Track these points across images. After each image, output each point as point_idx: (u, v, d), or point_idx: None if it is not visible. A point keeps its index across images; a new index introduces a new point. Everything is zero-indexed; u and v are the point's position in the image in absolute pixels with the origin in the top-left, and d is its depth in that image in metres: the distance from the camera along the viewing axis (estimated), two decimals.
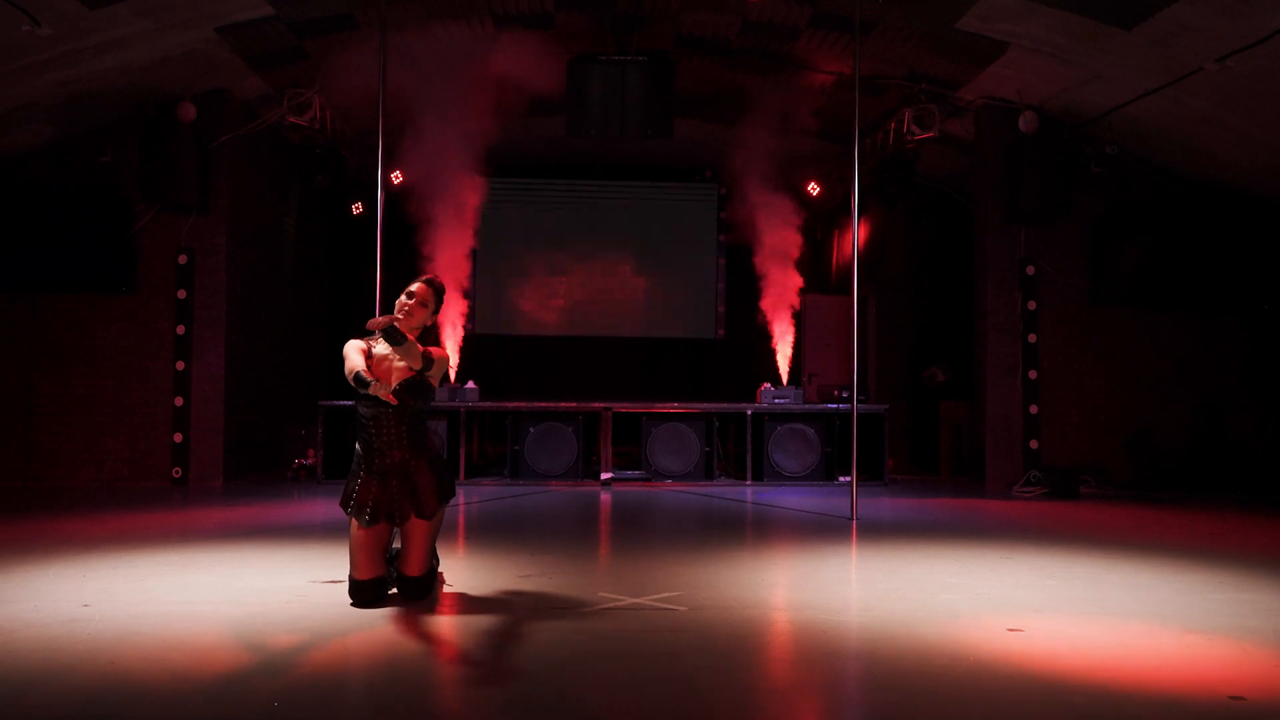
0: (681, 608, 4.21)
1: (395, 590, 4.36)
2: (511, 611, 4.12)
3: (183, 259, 9.28)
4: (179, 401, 9.26)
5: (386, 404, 4.16)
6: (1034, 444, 9.53)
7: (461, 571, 4.96)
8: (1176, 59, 7.50)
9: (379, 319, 4.05)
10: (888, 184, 10.25)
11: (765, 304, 10.76)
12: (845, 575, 5.24)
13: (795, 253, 10.70)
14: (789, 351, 10.82)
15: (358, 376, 4.11)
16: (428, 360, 4.15)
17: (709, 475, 9.69)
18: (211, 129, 9.17)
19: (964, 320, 10.53)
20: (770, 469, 9.75)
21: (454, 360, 10.38)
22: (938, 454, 10.91)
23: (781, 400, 9.90)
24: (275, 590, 4.50)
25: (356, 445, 4.33)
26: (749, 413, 9.80)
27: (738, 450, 10.02)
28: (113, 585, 4.57)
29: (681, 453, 9.72)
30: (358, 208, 11.84)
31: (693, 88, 9.95)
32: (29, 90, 8.15)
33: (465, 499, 8.35)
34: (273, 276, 10.76)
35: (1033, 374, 9.59)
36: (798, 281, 10.80)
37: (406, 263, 9.77)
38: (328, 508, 7.56)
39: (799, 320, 11.00)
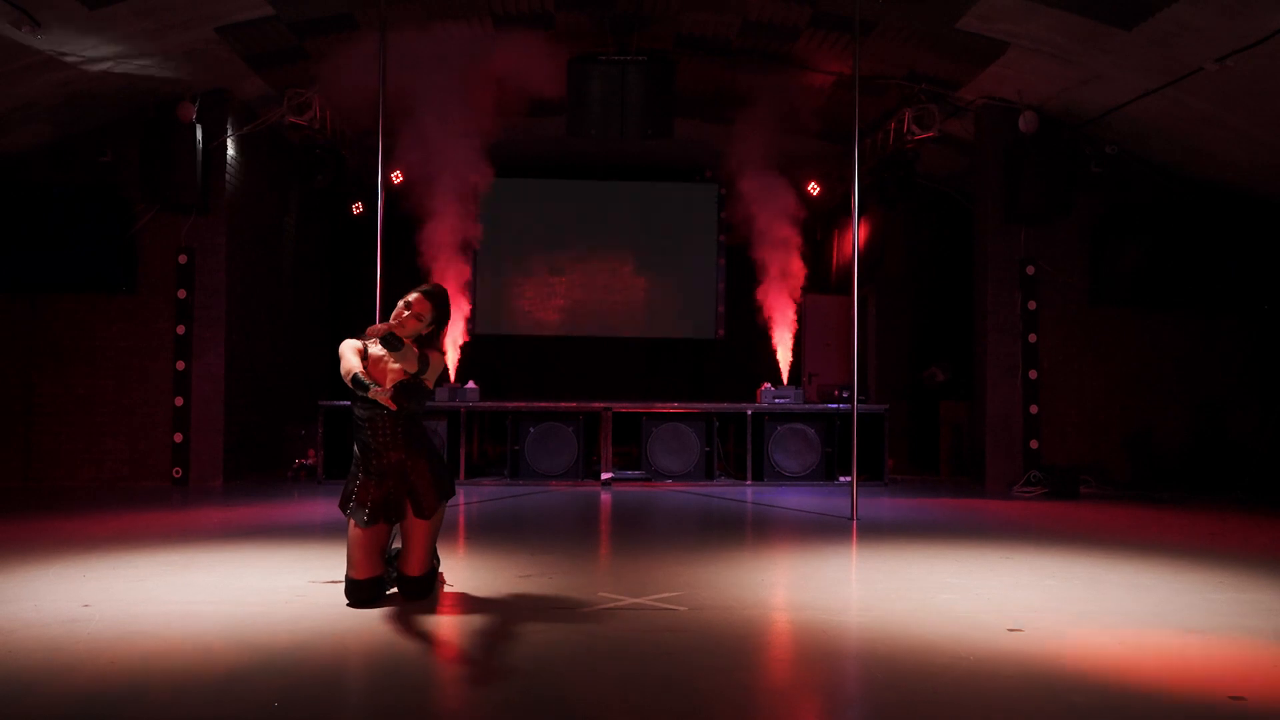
0: (681, 608, 4.21)
1: (395, 590, 4.37)
2: (511, 611, 4.12)
3: (183, 259, 9.29)
4: (179, 401, 9.26)
5: (383, 405, 4.17)
6: (1034, 444, 9.54)
7: (461, 571, 4.96)
8: (1176, 59, 7.50)
9: (378, 327, 4.05)
10: (888, 184, 10.25)
11: (765, 304, 10.76)
12: (845, 575, 5.24)
13: (795, 253, 10.70)
14: (789, 351, 10.82)
15: (355, 379, 4.11)
16: (424, 363, 4.15)
17: (709, 475, 9.69)
18: (211, 129, 9.18)
19: (964, 320, 10.53)
20: (770, 469, 9.75)
21: (452, 361, 10.38)
22: (938, 454, 10.91)
23: (781, 400, 9.90)
24: (275, 590, 4.50)
25: (355, 446, 4.34)
26: (749, 413, 9.80)
27: (738, 450, 10.02)
28: (112, 585, 4.57)
29: (681, 453, 9.72)
30: (358, 207, 11.84)
31: (693, 88, 9.95)
32: (29, 90, 8.15)
33: (465, 499, 8.35)
34: (273, 276, 10.76)
35: (1033, 374, 9.59)
36: (798, 281, 10.79)
37: (406, 263, 9.79)
38: (328, 508, 7.56)
39: (799, 320, 11.00)
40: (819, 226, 13.04)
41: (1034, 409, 9.57)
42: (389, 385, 4.16)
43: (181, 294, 9.28)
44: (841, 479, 9.54)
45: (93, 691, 3.05)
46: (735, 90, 10.00)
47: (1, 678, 3.17)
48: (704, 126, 10.75)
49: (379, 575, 4.24)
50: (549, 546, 6.01)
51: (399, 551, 4.40)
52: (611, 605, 4.24)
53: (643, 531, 6.91)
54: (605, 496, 8.74)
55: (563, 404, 9.79)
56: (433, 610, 4.15)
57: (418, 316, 4.22)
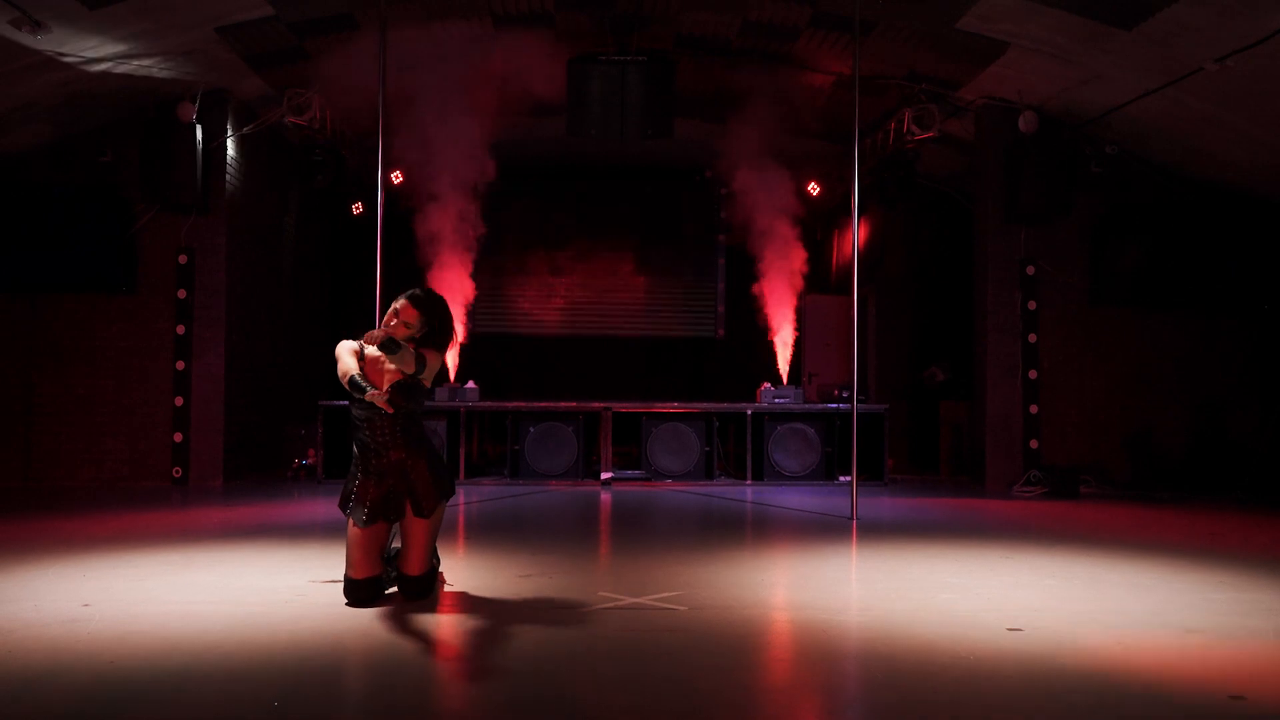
0: (681, 608, 4.21)
1: (395, 590, 4.37)
2: (511, 611, 4.12)
3: (183, 259, 9.29)
4: (179, 401, 9.26)
5: (381, 406, 4.16)
6: (1034, 444, 9.54)
7: (461, 571, 4.96)
8: (1176, 59, 7.50)
9: (375, 334, 4.03)
10: (888, 184, 10.25)
11: (765, 304, 10.76)
12: (845, 575, 5.24)
13: (795, 252, 10.70)
14: (789, 351, 10.82)
15: (352, 381, 4.10)
16: (421, 363, 4.14)
17: (709, 475, 9.69)
18: (211, 129, 9.17)
19: (964, 320, 10.53)
20: (770, 469, 9.75)
21: (452, 361, 10.38)
22: (938, 454, 10.91)
23: (781, 400, 9.90)
24: (275, 590, 4.50)
25: (354, 446, 4.34)
26: (749, 412, 9.80)
27: (738, 450, 10.02)
28: (112, 585, 4.57)
29: (681, 453, 9.72)
30: (358, 208, 11.84)
31: (693, 88, 9.95)
32: (29, 90, 8.15)
33: (465, 499, 8.35)
34: (273, 276, 10.76)
35: (1033, 374, 9.59)
36: (798, 281, 10.79)
37: (407, 263, 9.80)
38: (328, 508, 7.56)
39: (799, 320, 11.00)
40: (819, 226, 13.04)
41: (1034, 409, 9.57)
42: (386, 386, 4.17)
43: (181, 294, 9.28)
44: (841, 479, 9.54)
45: (93, 691, 3.05)
46: (735, 90, 10.00)
47: (1, 678, 3.17)
48: (704, 126, 10.75)
49: (378, 575, 4.24)
50: (549, 546, 6.01)
51: (398, 551, 4.40)
52: (611, 605, 4.24)
53: (643, 531, 6.91)
54: (605, 496, 8.74)
55: (563, 404, 9.80)
56: (432, 610, 4.15)
57: (405, 324, 4.19)
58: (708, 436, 9.74)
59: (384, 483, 4.23)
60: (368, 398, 4.03)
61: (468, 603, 4.31)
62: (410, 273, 9.94)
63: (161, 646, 3.53)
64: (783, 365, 10.77)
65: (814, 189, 11.91)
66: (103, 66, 8.12)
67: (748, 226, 10.83)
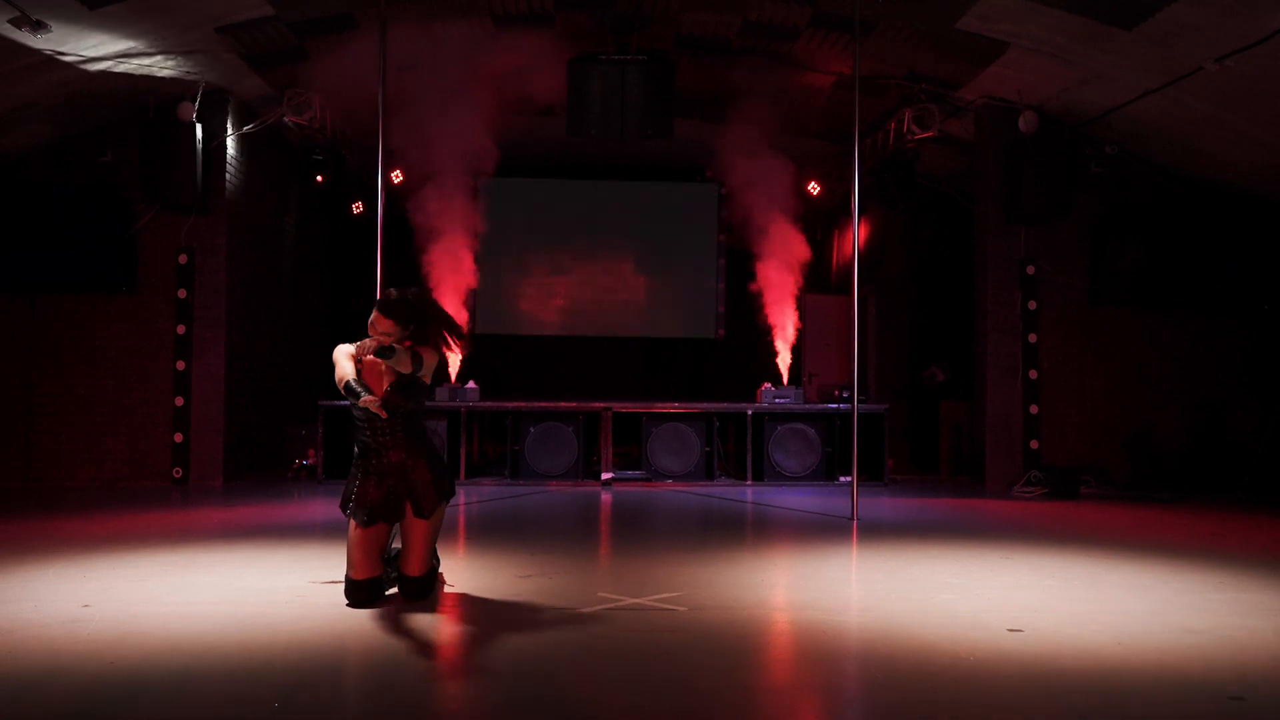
0: (681, 608, 4.21)
1: (396, 590, 4.37)
2: (511, 611, 4.12)
3: (183, 259, 9.28)
4: (179, 401, 9.26)
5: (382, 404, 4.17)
6: (1034, 444, 9.53)
7: (461, 571, 4.96)
8: (1176, 59, 7.50)
9: (367, 344, 4.00)
10: (888, 184, 10.25)
11: (765, 304, 10.76)
12: (845, 575, 5.24)
13: (795, 252, 10.70)
14: (789, 351, 10.82)
15: (347, 386, 4.11)
16: (418, 362, 4.14)
17: (709, 475, 9.69)
18: (211, 129, 9.17)
19: (964, 320, 10.53)
20: (770, 469, 9.75)
21: (453, 361, 10.38)
22: (938, 454, 10.91)
23: (782, 400, 9.90)
24: (275, 590, 4.50)
25: (355, 446, 4.34)
26: (749, 413, 9.80)
27: (738, 450, 10.02)
28: (112, 585, 4.57)
29: (682, 453, 9.72)
30: (358, 207, 11.84)
31: (693, 88, 9.94)
32: (29, 90, 8.15)
33: (465, 499, 8.35)
34: (273, 276, 10.76)
35: (1033, 374, 9.59)
36: (798, 281, 10.79)
37: (407, 262, 9.80)
38: (328, 508, 7.56)
39: (799, 320, 11.00)
40: (819, 226, 13.03)
41: (1034, 409, 9.57)
42: (384, 387, 4.17)
43: (181, 294, 9.28)
44: (841, 479, 9.54)
45: (93, 691, 3.06)
46: (735, 90, 10.00)
47: (1, 678, 3.17)
48: (704, 126, 10.75)
49: (378, 576, 4.24)
50: (549, 546, 6.01)
51: (398, 552, 4.40)
52: (611, 605, 4.24)
53: (643, 531, 6.91)
54: (605, 496, 8.74)
55: (563, 404, 9.79)
56: (433, 610, 4.15)
57: (385, 335, 4.15)
58: (708, 437, 9.74)
59: (384, 483, 4.24)
60: (361, 403, 4.04)
61: (468, 603, 4.32)
62: (410, 273, 9.94)
63: (161, 647, 3.53)
64: (783, 365, 10.76)
65: (814, 189, 11.91)
66: (103, 66, 8.12)
67: (747, 226, 10.82)
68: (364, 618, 3.98)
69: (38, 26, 7.05)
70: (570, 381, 12.43)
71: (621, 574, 5.07)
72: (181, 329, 9.27)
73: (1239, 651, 3.57)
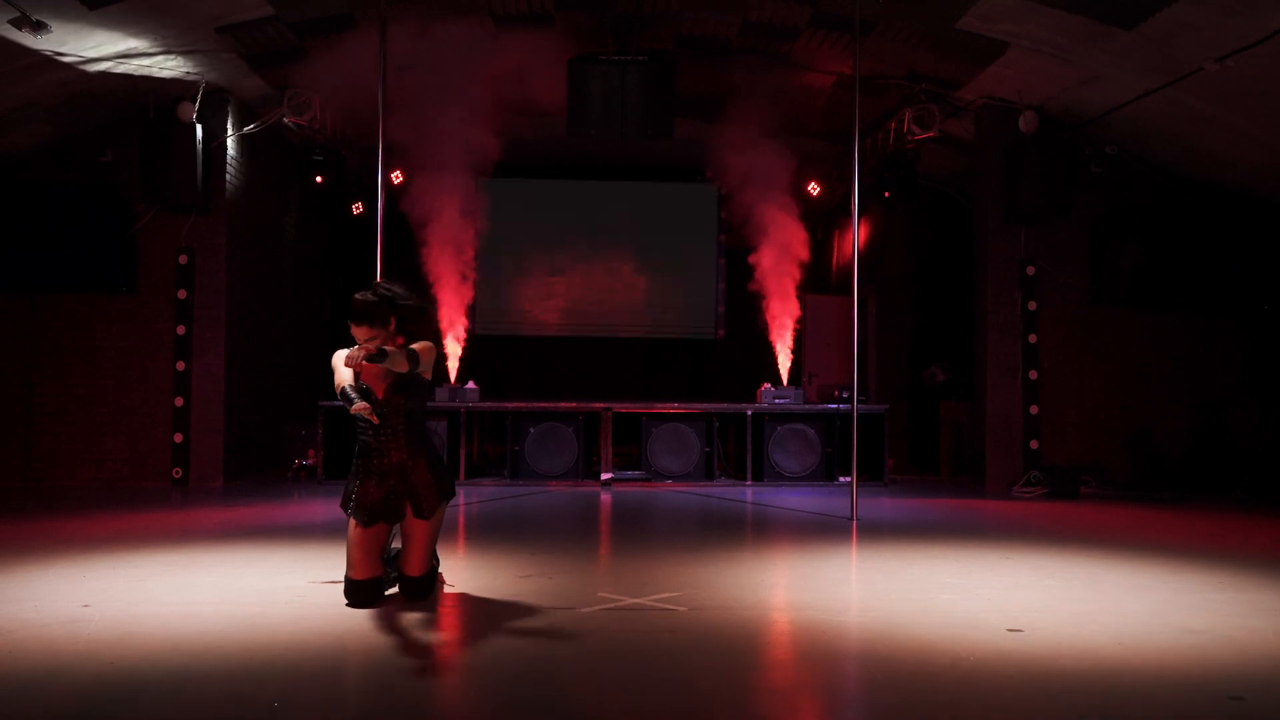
0: (681, 608, 4.21)
1: (396, 590, 4.37)
2: (511, 611, 4.12)
3: (183, 259, 9.28)
4: (179, 401, 9.26)
5: (381, 407, 4.18)
6: (1034, 444, 9.53)
7: (461, 571, 4.96)
8: (1176, 59, 7.50)
9: (354, 353, 3.95)
10: (888, 184, 10.25)
11: (765, 304, 10.75)
12: (845, 575, 5.24)
13: (795, 253, 10.69)
14: (789, 351, 10.81)
15: (342, 393, 4.12)
16: (414, 359, 4.13)
17: (709, 475, 9.69)
18: (211, 129, 9.17)
19: (964, 320, 10.53)
20: (770, 469, 9.75)
21: (453, 361, 10.38)
22: (938, 454, 10.90)
23: (781, 400, 9.90)
24: (275, 590, 4.50)
25: (356, 446, 4.34)
26: (749, 413, 9.80)
27: (738, 450, 10.02)
28: (112, 585, 4.57)
29: (681, 453, 9.72)
30: (358, 208, 11.84)
31: (693, 88, 9.94)
32: (29, 90, 8.15)
33: (465, 499, 8.35)
34: (273, 276, 10.76)
35: (1033, 374, 9.59)
36: (798, 281, 10.79)
37: (407, 263, 9.78)
38: (328, 508, 7.56)
39: (799, 320, 10.99)
40: (819, 226, 13.02)
41: (1034, 409, 9.57)
42: (384, 388, 4.17)
43: (181, 294, 9.28)
44: (841, 479, 9.54)
45: (93, 691, 3.06)
46: (735, 91, 10.00)
47: (1, 678, 3.17)
48: (704, 126, 10.75)
49: (378, 576, 4.24)
50: (549, 547, 6.01)
51: (398, 552, 4.40)
52: (611, 605, 4.24)
53: (643, 531, 6.91)
54: (605, 497, 8.74)
55: (563, 404, 9.79)
56: (433, 610, 4.15)
57: (369, 341, 4.13)
58: (708, 437, 9.74)
59: (385, 483, 4.23)
60: (353, 410, 4.04)
61: (468, 603, 4.32)
62: (411, 273, 9.93)
63: (161, 647, 3.53)
64: (783, 365, 10.76)
65: (814, 189, 11.91)
66: (103, 66, 8.12)
67: (747, 226, 10.82)
68: (364, 618, 3.98)
69: (38, 27, 7.06)
70: (570, 381, 12.43)
71: (621, 574, 5.07)
72: (181, 329, 9.27)
73: (1239, 651, 3.57)
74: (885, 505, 8.24)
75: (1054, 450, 9.55)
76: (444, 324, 10.27)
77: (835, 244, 13.21)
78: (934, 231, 11.82)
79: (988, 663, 3.39)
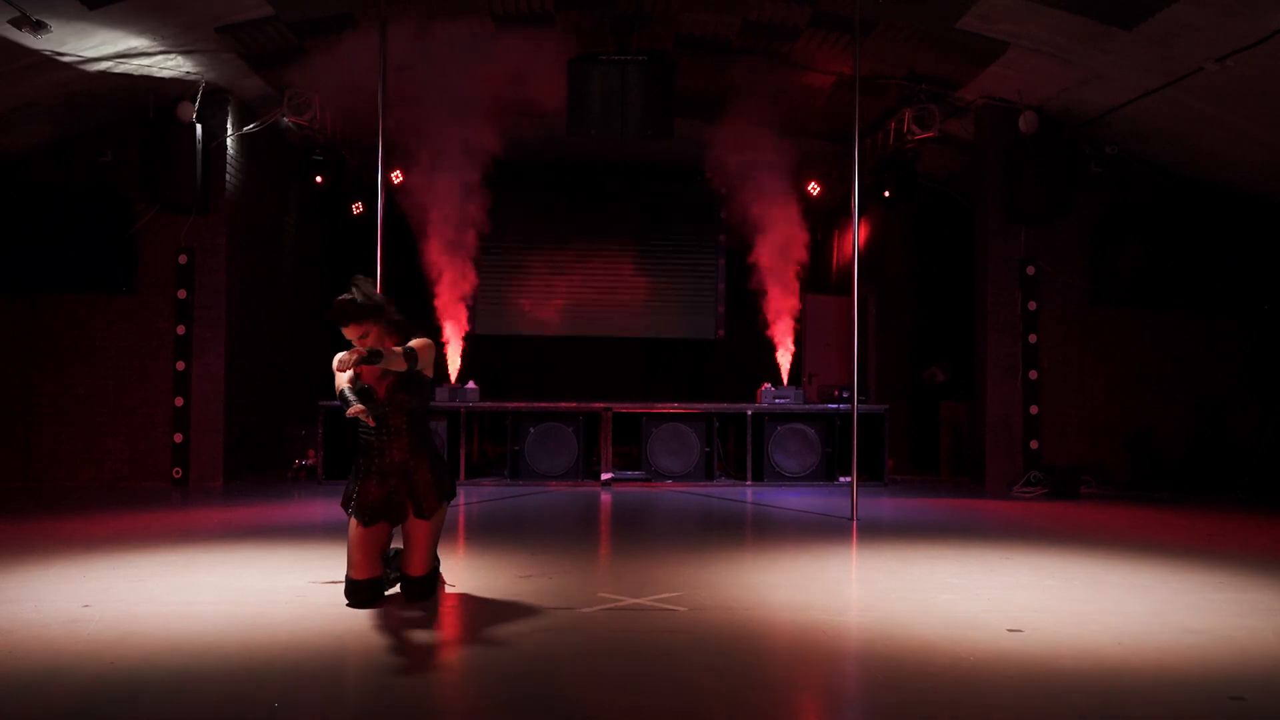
0: (681, 608, 4.21)
1: (398, 590, 4.37)
2: (511, 611, 4.12)
3: (183, 259, 9.28)
4: (179, 401, 9.26)
5: (385, 406, 4.18)
6: (1034, 444, 9.53)
7: (461, 571, 4.96)
8: (1176, 59, 7.50)
9: (345, 358, 3.92)
10: (888, 184, 10.25)
11: (765, 304, 10.76)
12: (845, 575, 5.24)
13: (795, 253, 10.70)
14: (789, 351, 10.82)
15: (342, 394, 4.12)
16: (412, 357, 4.12)
17: (709, 475, 9.69)
18: (211, 129, 9.17)
19: (964, 320, 10.53)
20: (770, 469, 9.74)
21: (453, 362, 10.38)
22: (938, 454, 10.91)
23: (781, 400, 9.90)
24: (275, 590, 4.50)
25: (359, 445, 4.34)
26: (749, 413, 9.80)
27: (738, 450, 10.02)
28: (112, 585, 4.57)
29: (681, 453, 9.72)
30: (358, 208, 11.84)
31: (693, 88, 9.95)
32: (29, 90, 8.15)
33: (465, 499, 8.35)
34: (273, 276, 10.76)
35: (1033, 374, 9.59)
36: (798, 281, 10.79)
37: (406, 263, 9.79)
38: (328, 508, 7.56)
39: (799, 320, 10.99)
40: (819, 226, 13.03)
41: (1034, 409, 9.57)
42: (383, 389, 4.17)
43: (181, 294, 9.28)
44: (841, 479, 9.54)
45: (93, 691, 3.05)
46: (735, 90, 10.00)
47: (1, 678, 3.17)
48: (704, 126, 10.75)
49: (379, 576, 4.24)
50: (549, 547, 6.01)
51: (398, 552, 4.40)
52: (611, 605, 4.24)
53: (643, 531, 6.91)
54: (605, 497, 8.74)
55: (563, 404, 9.79)
56: (433, 611, 4.15)
57: (361, 339, 4.11)
58: (708, 437, 9.74)
59: (386, 483, 4.23)
60: (349, 414, 4.04)
61: (468, 603, 4.32)
62: (411, 273, 9.95)
63: (161, 647, 3.53)
64: (783, 365, 10.77)
65: (814, 189, 11.91)
66: (103, 66, 8.12)
67: (747, 226, 10.82)
68: (364, 618, 3.98)
69: (38, 26, 7.05)
70: (570, 382, 12.43)
71: (621, 574, 5.07)
72: (181, 329, 9.27)
73: (1239, 651, 3.57)
74: (885, 505, 8.24)
75: (1054, 450, 9.55)
76: (444, 324, 10.28)
77: (835, 244, 13.21)
78: (934, 231, 11.82)
79: (988, 663, 3.39)
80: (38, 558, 5.28)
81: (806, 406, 9.94)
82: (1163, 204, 9.64)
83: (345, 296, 4.15)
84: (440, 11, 8.61)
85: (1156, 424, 9.67)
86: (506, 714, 2.93)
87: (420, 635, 3.78)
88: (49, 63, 7.74)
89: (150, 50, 8.16)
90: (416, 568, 4.27)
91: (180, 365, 9.27)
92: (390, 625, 3.88)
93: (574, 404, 9.79)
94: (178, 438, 9.25)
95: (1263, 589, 4.68)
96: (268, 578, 4.80)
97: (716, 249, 13.52)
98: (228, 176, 9.38)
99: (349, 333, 4.14)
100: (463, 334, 10.49)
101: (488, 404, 9.83)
